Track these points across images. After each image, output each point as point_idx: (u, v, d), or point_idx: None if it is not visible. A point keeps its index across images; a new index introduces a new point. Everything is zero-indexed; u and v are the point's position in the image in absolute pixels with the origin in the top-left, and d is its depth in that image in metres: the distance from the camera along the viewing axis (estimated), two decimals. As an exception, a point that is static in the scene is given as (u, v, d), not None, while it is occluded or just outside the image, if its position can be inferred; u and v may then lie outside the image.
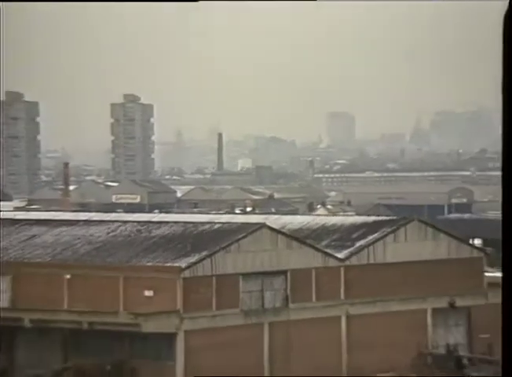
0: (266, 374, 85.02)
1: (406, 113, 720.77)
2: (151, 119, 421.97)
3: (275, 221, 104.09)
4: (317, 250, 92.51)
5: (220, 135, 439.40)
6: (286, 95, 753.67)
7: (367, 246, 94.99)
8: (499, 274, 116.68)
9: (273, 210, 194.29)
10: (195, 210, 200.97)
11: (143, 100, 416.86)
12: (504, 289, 6.26)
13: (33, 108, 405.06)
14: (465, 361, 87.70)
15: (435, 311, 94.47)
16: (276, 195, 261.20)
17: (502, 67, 6.39)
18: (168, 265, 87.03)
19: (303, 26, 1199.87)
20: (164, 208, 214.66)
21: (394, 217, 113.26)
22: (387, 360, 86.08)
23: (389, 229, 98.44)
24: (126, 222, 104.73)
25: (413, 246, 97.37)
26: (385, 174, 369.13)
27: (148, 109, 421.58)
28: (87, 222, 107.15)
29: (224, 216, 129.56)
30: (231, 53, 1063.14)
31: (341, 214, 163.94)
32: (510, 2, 6.12)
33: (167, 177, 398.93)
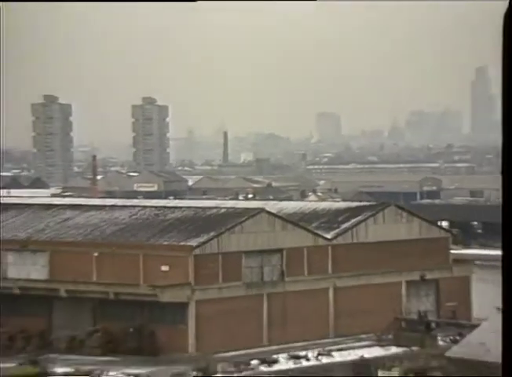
0: (265, 337, 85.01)
1: (384, 113, 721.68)
2: (167, 119, 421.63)
3: (272, 206, 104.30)
4: (308, 231, 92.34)
5: (225, 132, 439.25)
6: (282, 97, 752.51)
7: (351, 227, 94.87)
8: (462, 251, 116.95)
9: (271, 196, 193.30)
10: (204, 196, 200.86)
11: (159, 102, 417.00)
12: (504, 289, 5.73)
13: (66, 109, 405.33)
14: (433, 325, 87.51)
15: (408, 283, 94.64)
16: (274, 184, 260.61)
17: (502, 66, 5.81)
18: (181, 244, 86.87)
19: (300, 31, 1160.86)
20: (177, 195, 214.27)
21: (374, 203, 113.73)
22: (368, 325, 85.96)
23: (369, 213, 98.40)
24: (145, 207, 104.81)
25: (390, 227, 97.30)
26: (367, 166, 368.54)
27: (163, 110, 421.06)
28: (112, 207, 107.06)
29: (228, 202, 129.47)
30: (232, 59, 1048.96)
31: (329, 200, 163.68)
32: (510, 2, 5.62)
33: (180, 168, 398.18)
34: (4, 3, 62.44)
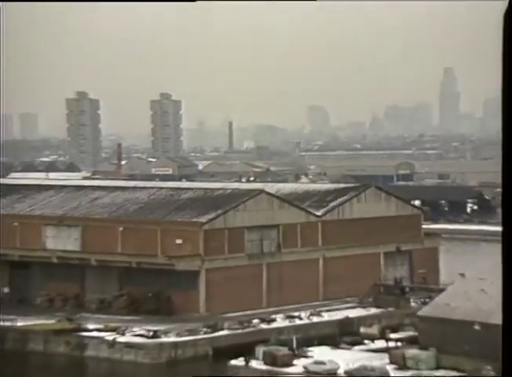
0: (264, 300, 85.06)
1: (366, 107, 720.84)
2: (180, 112, 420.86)
3: (271, 187, 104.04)
4: (301, 209, 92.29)
5: (230, 123, 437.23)
6: (280, 93, 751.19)
7: (338, 206, 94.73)
8: (431, 226, 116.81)
9: (270, 179, 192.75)
10: (212, 179, 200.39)
11: (174, 97, 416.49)
12: (504, 291, 5.25)
13: (95, 104, 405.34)
14: (407, 289, 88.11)
15: (386, 254, 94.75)
16: (272, 169, 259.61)
17: (501, 65, 5.22)
18: (193, 220, 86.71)
19: (295, 33, 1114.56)
20: (189, 178, 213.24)
21: (357, 185, 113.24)
22: (351, 289, 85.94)
23: (353, 193, 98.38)
24: (161, 188, 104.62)
25: (371, 205, 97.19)
26: (352, 153, 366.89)
27: (177, 104, 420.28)
28: (134, 188, 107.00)
29: (233, 184, 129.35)
30: (236, 59, 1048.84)
31: (319, 182, 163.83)
32: (509, 2, 5.08)
33: (192, 154, 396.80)
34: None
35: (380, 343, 69.55)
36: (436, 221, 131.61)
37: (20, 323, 79.74)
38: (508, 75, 5.14)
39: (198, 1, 6.37)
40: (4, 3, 21.15)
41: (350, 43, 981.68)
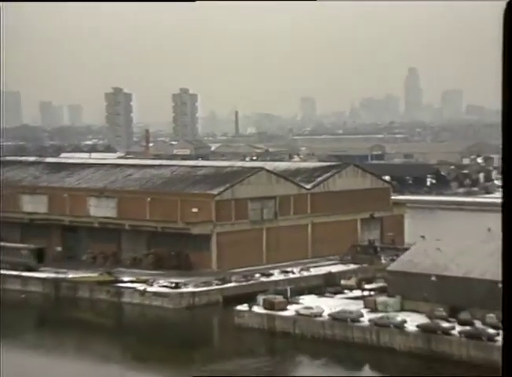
0: (264, 258, 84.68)
1: (345, 98, 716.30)
2: (196, 103, 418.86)
3: (269, 165, 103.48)
4: (294, 183, 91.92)
5: (236, 112, 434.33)
6: (277, 88, 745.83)
7: (323, 180, 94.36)
8: (398, 197, 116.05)
9: (268, 158, 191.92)
10: (222, 158, 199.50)
11: (191, 92, 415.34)
12: (505, 292, 4.48)
13: (128, 97, 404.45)
14: (378, 249, 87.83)
15: (362, 220, 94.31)
16: (270, 150, 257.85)
17: (502, 62, 4.37)
18: (206, 192, 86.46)
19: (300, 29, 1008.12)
20: (203, 157, 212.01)
21: (339, 163, 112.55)
22: (334, 249, 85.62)
23: (336, 170, 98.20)
24: (181, 166, 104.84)
25: (350, 180, 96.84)
26: (334, 137, 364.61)
27: (194, 97, 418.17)
28: (159, 166, 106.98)
29: (239, 162, 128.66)
30: (241, 58, 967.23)
31: (308, 161, 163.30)
32: (509, 2, 4.33)
33: (205, 138, 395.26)
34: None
35: (356, 292, 69.62)
36: (402, 193, 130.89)
37: (70, 276, 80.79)
38: (508, 75, 4.40)
39: (197, 1, 5.48)
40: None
41: (337, 45, 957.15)
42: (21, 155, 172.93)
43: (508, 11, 4.33)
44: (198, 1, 8.11)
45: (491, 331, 56.48)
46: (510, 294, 4.43)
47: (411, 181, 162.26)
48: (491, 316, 57.92)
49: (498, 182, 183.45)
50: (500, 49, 4.43)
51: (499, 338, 55.09)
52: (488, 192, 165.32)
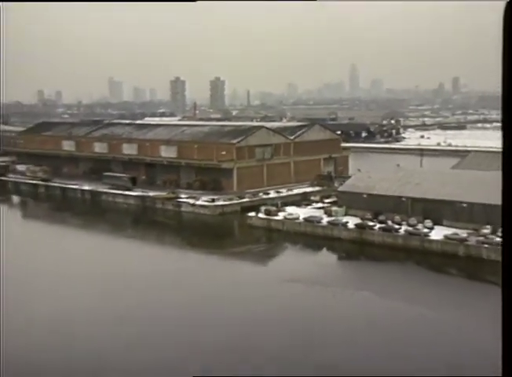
0: (265, 183, 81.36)
1: (315, 82, 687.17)
2: (224, 86, 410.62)
3: (268, 125, 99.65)
4: (283, 135, 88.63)
5: (248, 91, 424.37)
6: (273, 75, 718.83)
7: (301, 133, 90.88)
8: (345, 144, 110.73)
9: (267, 120, 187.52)
10: (240, 120, 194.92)
11: (221, 79, 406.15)
12: (504, 293, 3.06)
13: (183, 83, 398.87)
14: (333, 177, 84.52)
15: (324, 159, 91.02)
16: (268, 115, 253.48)
17: (501, 62, 2.86)
18: (230, 141, 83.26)
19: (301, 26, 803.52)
20: (228, 119, 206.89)
21: (310, 123, 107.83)
22: (306, 177, 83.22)
23: (307, 128, 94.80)
24: (215, 125, 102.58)
25: (316, 134, 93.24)
26: (308, 106, 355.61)
27: (222, 82, 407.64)
28: (202, 125, 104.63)
29: (249, 123, 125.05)
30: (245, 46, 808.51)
31: (292, 121, 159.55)
32: (509, 2, 2.81)
33: (229, 107, 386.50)
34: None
35: (320, 204, 68.18)
36: (347, 142, 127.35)
37: (150, 194, 78.83)
38: (508, 75, 2.83)
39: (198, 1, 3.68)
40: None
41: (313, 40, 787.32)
42: (121, 119, 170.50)
43: (508, 11, 2.82)
44: (198, 2, 5.01)
45: (396, 226, 55.78)
46: (510, 294, 3.00)
47: (353, 134, 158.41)
48: (397, 218, 57.33)
49: (404, 135, 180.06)
50: (500, 49, 2.87)
51: (401, 230, 54.34)
52: (397, 141, 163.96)
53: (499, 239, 50.36)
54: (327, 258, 54.44)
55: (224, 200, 72.58)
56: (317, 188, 79.18)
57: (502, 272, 2.94)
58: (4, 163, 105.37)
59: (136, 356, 29.63)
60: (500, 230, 52.24)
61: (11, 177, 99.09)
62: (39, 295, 40.40)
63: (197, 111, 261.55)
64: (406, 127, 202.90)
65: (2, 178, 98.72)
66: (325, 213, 62.10)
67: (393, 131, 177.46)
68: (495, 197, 55.97)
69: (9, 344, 30.27)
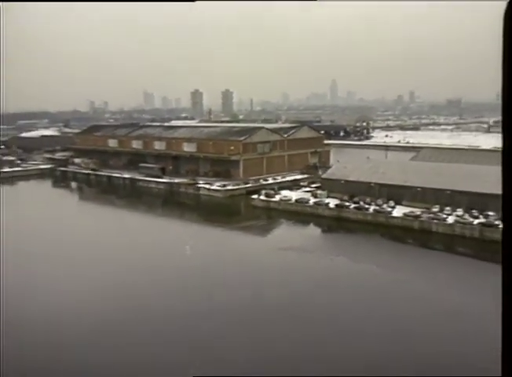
0: (264, 171, 79.44)
1: (304, 92, 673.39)
2: (233, 95, 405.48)
3: (267, 126, 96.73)
4: (279, 134, 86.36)
5: (251, 99, 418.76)
6: (273, 85, 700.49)
7: (293, 133, 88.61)
8: (328, 141, 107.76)
9: (266, 123, 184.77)
10: (245, 122, 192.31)
11: (231, 90, 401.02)
12: (504, 293, 2.21)
13: (201, 94, 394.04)
14: (318, 167, 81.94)
15: (311, 153, 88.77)
16: (267, 118, 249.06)
17: (501, 65, 1.98)
18: (238, 139, 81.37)
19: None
20: (236, 122, 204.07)
21: (300, 125, 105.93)
22: (297, 167, 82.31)
23: (298, 128, 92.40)
24: (225, 126, 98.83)
25: (305, 133, 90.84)
26: (298, 111, 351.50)
27: (230, 93, 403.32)
28: (215, 126, 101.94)
29: (252, 124, 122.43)
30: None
31: (285, 123, 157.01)
32: (509, 2, 2.00)
33: (237, 112, 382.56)
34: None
35: (307, 189, 67.18)
36: (329, 139, 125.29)
37: (176, 180, 77.14)
38: (508, 75, 2.04)
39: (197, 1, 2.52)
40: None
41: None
42: (153, 122, 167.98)
43: (508, 11, 2.13)
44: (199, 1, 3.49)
45: (366, 206, 54.54)
46: (510, 294, 2.27)
47: (333, 134, 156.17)
48: (368, 199, 56.01)
49: (372, 134, 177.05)
50: (500, 49, 2.33)
51: (371, 209, 53.46)
52: (367, 139, 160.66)
53: (445, 216, 50.17)
54: (313, 231, 53.73)
55: (233, 185, 71.45)
56: (306, 176, 77.83)
57: (503, 272, 2.21)
58: (65, 157, 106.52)
59: (169, 296, 31.75)
60: (446, 208, 51.91)
61: (70, 168, 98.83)
62: (97, 256, 41.61)
63: (211, 116, 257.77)
64: (374, 128, 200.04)
65: (64, 169, 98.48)
66: (312, 195, 61.12)
67: (364, 131, 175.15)
68: (442, 182, 55.67)
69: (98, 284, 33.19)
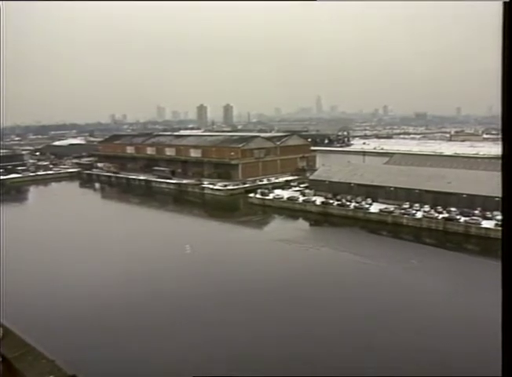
0: (260, 173, 78.34)
1: (293, 106, 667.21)
2: (233, 109, 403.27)
3: (262, 134, 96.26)
4: (272, 141, 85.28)
5: (248, 113, 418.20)
6: (268, 101, 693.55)
7: (284, 141, 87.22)
8: (314, 147, 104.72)
9: (261, 132, 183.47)
10: (243, 132, 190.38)
11: (231, 105, 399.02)
12: (504, 292, 1.70)
13: (205, 107, 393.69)
14: (306, 170, 79.04)
15: (299, 158, 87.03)
16: (262, 128, 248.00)
17: (501, 59, 1.45)
18: (237, 145, 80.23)
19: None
20: (235, 131, 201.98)
21: (290, 133, 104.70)
22: (288, 170, 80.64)
23: (288, 137, 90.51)
24: (226, 135, 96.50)
25: (295, 140, 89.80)
26: (289, 123, 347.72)
27: (231, 108, 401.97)
28: (217, 135, 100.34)
29: (249, 133, 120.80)
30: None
31: (278, 133, 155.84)
32: (507, 2, 1.52)
33: (236, 123, 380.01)
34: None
35: (297, 188, 66.59)
36: (315, 146, 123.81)
37: (184, 181, 75.89)
38: (508, 75, 1.49)
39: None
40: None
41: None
42: (164, 132, 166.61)
43: (507, 11, 1.67)
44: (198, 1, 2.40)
45: (348, 203, 54.15)
46: (510, 294, 1.81)
47: (319, 141, 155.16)
48: (348, 197, 55.90)
49: (352, 142, 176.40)
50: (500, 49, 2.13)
51: (351, 205, 53.13)
52: (348, 146, 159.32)
53: (414, 211, 50.37)
54: (302, 225, 53.31)
55: (233, 185, 70.80)
56: (295, 177, 76.97)
57: (503, 272, 1.80)
58: (90, 162, 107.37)
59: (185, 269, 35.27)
60: (415, 205, 52.02)
61: (94, 171, 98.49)
62: (117, 243, 42.59)
63: (214, 126, 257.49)
64: (353, 137, 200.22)
65: (89, 172, 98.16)
66: (301, 194, 60.77)
67: (345, 139, 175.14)
68: (412, 183, 55.55)
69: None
